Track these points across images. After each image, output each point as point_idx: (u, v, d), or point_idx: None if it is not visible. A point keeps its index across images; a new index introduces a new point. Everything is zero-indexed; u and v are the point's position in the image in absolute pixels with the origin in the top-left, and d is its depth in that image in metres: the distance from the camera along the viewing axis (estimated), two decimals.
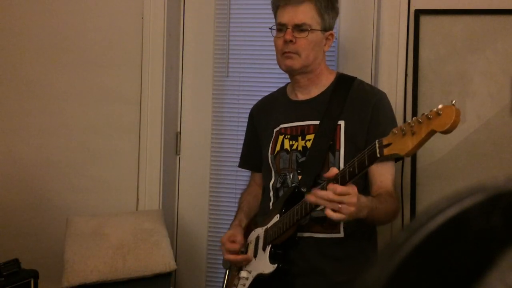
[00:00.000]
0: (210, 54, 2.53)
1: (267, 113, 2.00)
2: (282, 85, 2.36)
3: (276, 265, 1.74)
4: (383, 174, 1.77)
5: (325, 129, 1.80)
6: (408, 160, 2.16)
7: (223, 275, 2.29)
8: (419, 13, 2.16)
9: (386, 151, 1.43)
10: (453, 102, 1.31)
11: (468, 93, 2.13)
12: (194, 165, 2.57)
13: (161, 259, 2.17)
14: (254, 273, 1.81)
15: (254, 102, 2.49)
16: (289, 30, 1.81)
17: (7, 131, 2.58)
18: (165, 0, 2.42)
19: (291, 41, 1.81)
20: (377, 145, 1.46)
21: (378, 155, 1.45)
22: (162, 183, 2.47)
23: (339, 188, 1.49)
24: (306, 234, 1.78)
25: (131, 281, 2.15)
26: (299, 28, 1.81)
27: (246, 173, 2.49)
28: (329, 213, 1.50)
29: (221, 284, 2.29)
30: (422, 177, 2.17)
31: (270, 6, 2.44)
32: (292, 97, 1.95)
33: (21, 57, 2.57)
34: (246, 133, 2.13)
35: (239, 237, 1.88)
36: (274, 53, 2.42)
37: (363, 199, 1.57)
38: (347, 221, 1.75)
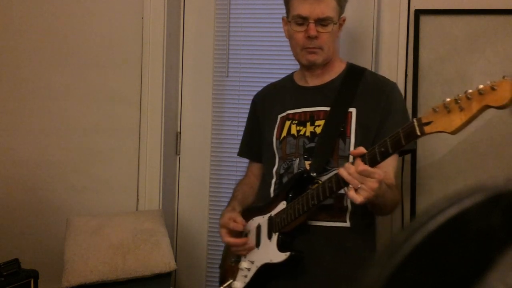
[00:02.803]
0: (210, 54, 2.53)
1: (272, 100, 1.94)
2: None
3: (288, 253, 1.66)
4: (387, 166, 1.67)
5: (336, 116, 1.75)
6: (408, 160, 2.16)
7: None
8: (419, 13, 2.16)
9: (427, 129, 1.34)
10: (504, 77, 1.24)
11: None
12: (194, 165, 2.57)
13: (161, 259, 2.17)
14: (258, 263, 1.74)
15: None
16: (312, 25, 1.71)
17: (7, 131, 2.58)
18: (165, 0, 2.42)
19: (316, 36, 1.73)
20: (415, 123, 1.36)
21: (419, 133, 1.36)
22: (162, 183, 2.47)
23: (362, 166, 1.44)
24: (313, 223, 1.71)
25: (131, 281, 2.15)
26: (322, 22, 1.72)
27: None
28: (352, 194, 1.45)
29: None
30: (422, 177, 2.17)
31: (270, 6, 2.45)
32: (301, 83, 1.89)
33: (21, 57, 2.57)
34: (247, 121, 2.07)
35: (239, 219, 1.80)
36: (274, 53, 2.44)
37: (384, 186, 1.51)
38: (353, 210, 1.70)
